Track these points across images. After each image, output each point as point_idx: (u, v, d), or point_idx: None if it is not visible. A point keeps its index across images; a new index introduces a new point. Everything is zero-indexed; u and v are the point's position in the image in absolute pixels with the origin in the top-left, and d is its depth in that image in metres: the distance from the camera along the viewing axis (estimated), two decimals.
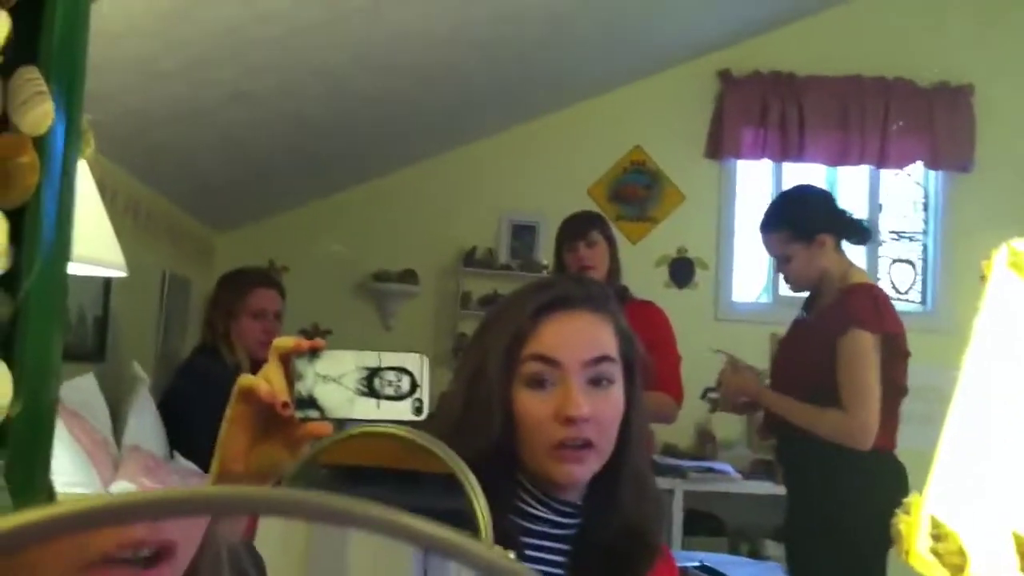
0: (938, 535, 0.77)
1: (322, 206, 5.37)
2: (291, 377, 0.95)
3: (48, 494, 0.62)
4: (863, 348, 2.91)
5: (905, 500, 0.84)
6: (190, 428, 3.27)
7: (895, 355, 2.97)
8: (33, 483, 0.60)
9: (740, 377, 3.21)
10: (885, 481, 2.93)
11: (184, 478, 2.95)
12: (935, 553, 0.77)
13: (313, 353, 0.95)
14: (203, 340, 3.84)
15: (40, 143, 0.59)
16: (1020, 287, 0.74)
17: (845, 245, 3.19)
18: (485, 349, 1.35)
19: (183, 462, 3.23)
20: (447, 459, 0.76)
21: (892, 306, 3.05)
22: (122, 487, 2.58)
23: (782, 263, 3.18)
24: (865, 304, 2.96)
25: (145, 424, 3.27)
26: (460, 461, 0.76)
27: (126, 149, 3.41)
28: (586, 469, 1.30)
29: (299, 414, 0.95)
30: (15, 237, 0.60)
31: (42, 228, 0.60)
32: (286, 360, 0.96)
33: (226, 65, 3.19)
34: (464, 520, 0.75)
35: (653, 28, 4.66)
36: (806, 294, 3.27)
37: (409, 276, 5.26)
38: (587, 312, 1.34)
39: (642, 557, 1.35)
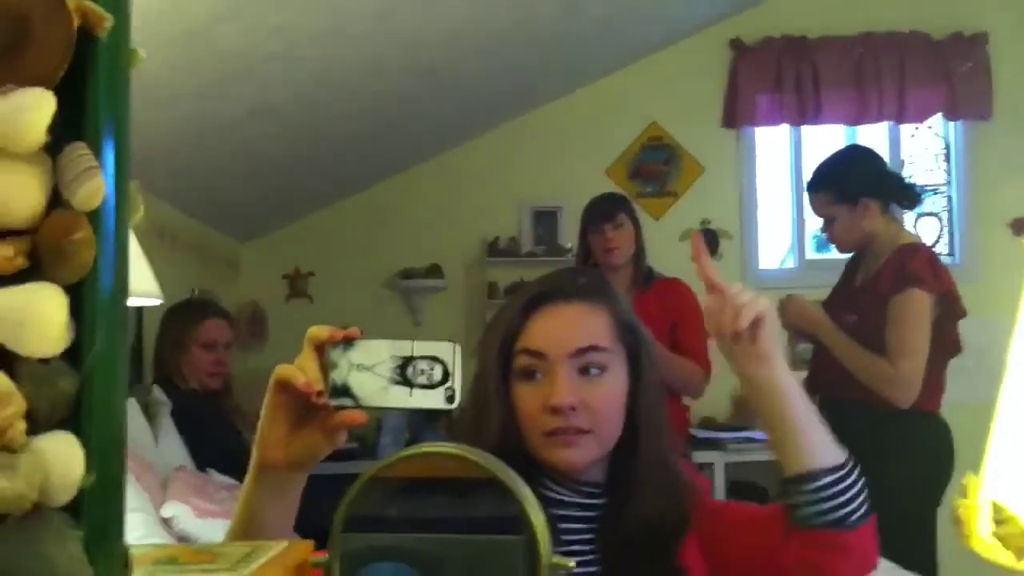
0: (1000, 519, 0.77)
1: (341, 208, 5.40)
2: (325, 367, 0.97)
3: (124, 560, 0.63)
4: (918, 307, 2.90)
5: (962, 482, 0.84)
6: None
7: (950, 315, 2.96)
8: (111, 552, 0.61)
9: (800, 303, 3.17)
10: (931, 441, 2.94)
11: (232, 492, 2.97)
12: (998, 537, 0.77)
13: (347, 343, 0.97)
14: (155, 374, 3.65)
15: (92, 216, 0.60)
16: None
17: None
18: (484, 348, 1.40)
19: (219, 477, 3.24)
20: (499, 473, 0.77)
21: (946, 267, 3.04)
22: (174, 508, 2.61)
23: (827, 224, 3.19)
24: (922, 264, 2.95)
25: (174, 446, 3.29)
26: (510, 471, 0.77)
27: (147, 171, 3.43)
28: (583, 452, 1.34)
29: (333, 402, 0.96)
30: (75, 311, 0.60)
31: (100, 301, 0.61)
32: (320, 350, 0.98)
33: (238, 83, 3.20)
34: (522, 526, 0.76)
35: (661, 2, 4.63)
36: (846, 257, 3.27)
37: (434, 271, 5.28)
38: (576, 303, 1.38)
39: (671, 536, 1.37)
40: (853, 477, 1.31)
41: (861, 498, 1.30)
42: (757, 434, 4.91)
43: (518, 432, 1.35)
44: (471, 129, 5.31)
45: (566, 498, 1.37)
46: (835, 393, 3.07)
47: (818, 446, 1.31)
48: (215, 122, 3.46)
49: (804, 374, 3.36)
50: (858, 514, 1.29)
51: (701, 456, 4.61)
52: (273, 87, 3.40)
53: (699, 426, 4.95)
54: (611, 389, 1.36)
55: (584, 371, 1.35)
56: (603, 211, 3.55)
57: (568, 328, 1.36)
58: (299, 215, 5.34)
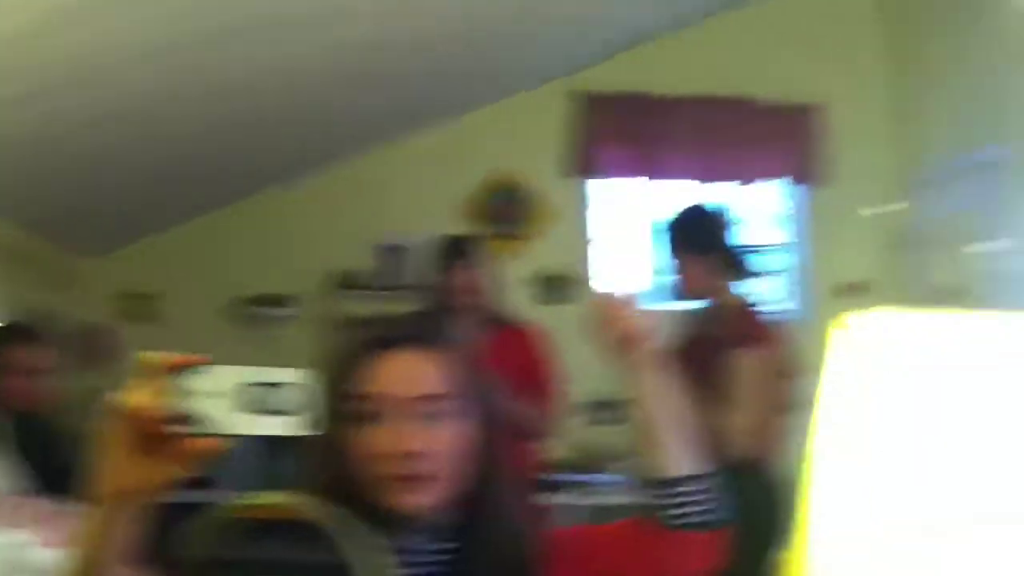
0: None
1: (191, 229, 5.27)
2: (173, 392, 0.94)
3: None
4: (752, 364, 2.99)
5: (778, 558, 0.87)
6: None
7: (782, 373, 3.06)
8: None
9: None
10: (761, 496, 3.00)
11: (71, 518, 2.82)
12: None
13: (196, 368, 0.94)
14: None
15: None
16: (862, 355, 0.77)
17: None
18: (325, 391, 1.38)
19: (57, 503, 3.07)
20: (334, 522, 0.77)
21: (776, 327, 3.14)
22: (8, 536, 2.47)
23: (672, 272, 3.28)
24: (757, 324, 3.04)
25: (5, 470, 3.12)
26: (346, 519, 0.77)
27: None
28: (429, 497, 1.34)
29: (181, 430, 0.93)
30: None
31: None
32: (167, 375, 0.95)
33: (82, 88, 3.08)
34: (355, 572, 0.76)
35: (512, 51, 4.72)
36: (689, 305, 3.36)
37: (285, 300, 5.21)
38: (420, 349, 1.39)
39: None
40: (716, 484, 1.44)
41: (722, 504, 1.44)
42: (607, 477, 4.96)
43: (361, 477, 1.33)
44: (325, 161, 5.27)
45: (411, 545, 1.35)
46: None
47: (686, 453, 1.42)
48: (58, 130, 3.32)
49: None
50: (720, 518, 1.43)
51: (551, 499, 4.62)
52: (114, 99, 3.28)
53: (550, 469, 4.97)
54: (453, 435, 1.36)
55: (427, 417, 1.35)
56: (455, 252, 3.55)
57: (411, 374, 1.36)
58: (146, 234, 5.17)
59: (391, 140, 5.37)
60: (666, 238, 3.29)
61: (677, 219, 3.34)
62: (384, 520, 1.32)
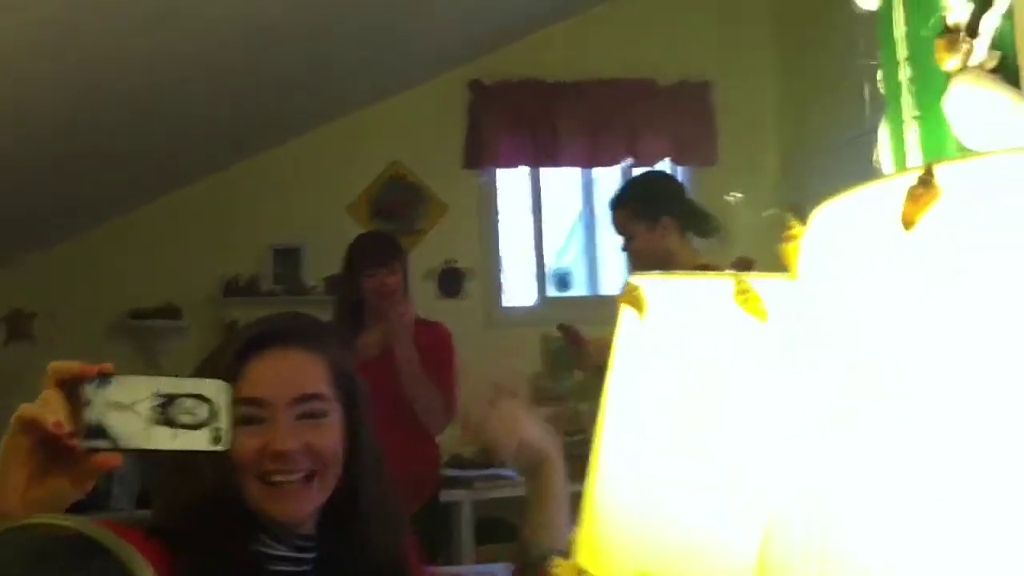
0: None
1: (67, 247, 5.07)
2: (77, 404, 0.87)
3: None
4: None
5: (567, 537, 0.85)
6: None
7: None
8: None
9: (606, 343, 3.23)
10: None
11: None
12: None
13: (103, 378, 0.88)
14: None
15: None
16: (637, 320, 0.78)
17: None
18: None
19: None
20: (113, 547, 0.74)
21: None
22: None
23: (627, 242, 3.28)
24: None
25: None
26: (126, 546, 0.75)
27: None
28: (304, 504, 1.32)
29: (86, 444, 0.87)
30: None
31: None
32: (67, 386, 0.89)
33: None
34: None
35: (403, 43, 4.64)
36: (585, 295, 3.37)
37: (170, 311, 5.04)
38: (294, 349, 1.36)
39: None
40: None
41: None
42: (503, 471, 4.92)
43: (234, 482, 1.30)
44: (208, 164, 5.13)
45: (282, 553, 1.33)
46: None
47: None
48: None
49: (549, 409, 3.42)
50: None
51: (449, 495, 4.59)
52: None
53: (447, 464, 4.93)
54: (331, 433, 1.34)
55: (306, 416, 1.33)
56: (379, 255, 3.49)
57: (289, 374, 1.34)
58: (19, 252, 4.96)
59: (281, 141, 5.25)
60: (619, 204, 3.30)
61: (629, 186, 3.40)
62: (253, 531, 1.31)
